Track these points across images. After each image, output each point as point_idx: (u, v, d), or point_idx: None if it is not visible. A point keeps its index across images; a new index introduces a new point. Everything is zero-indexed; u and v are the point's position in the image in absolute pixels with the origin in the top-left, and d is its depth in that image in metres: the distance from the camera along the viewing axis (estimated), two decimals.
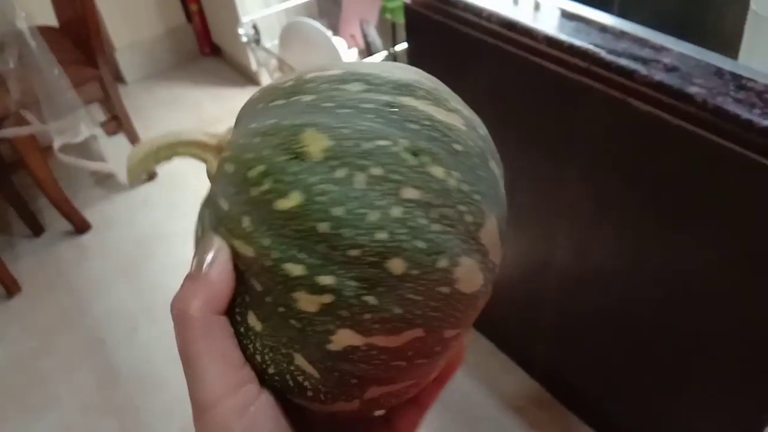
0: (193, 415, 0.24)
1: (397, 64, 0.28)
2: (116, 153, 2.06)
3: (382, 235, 0.23)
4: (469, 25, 0.95)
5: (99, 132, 1.84)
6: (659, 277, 0.90)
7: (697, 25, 1.04)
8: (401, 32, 1.78)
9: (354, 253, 0.23)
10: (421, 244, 0.23)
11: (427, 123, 0.25)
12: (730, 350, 0.86)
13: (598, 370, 1.15)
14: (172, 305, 0.25)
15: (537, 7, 0.89)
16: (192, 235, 0.29)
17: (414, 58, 1.17)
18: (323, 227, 0.23)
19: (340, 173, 0.23)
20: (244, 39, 1.97)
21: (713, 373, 0.90)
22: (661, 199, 0.83)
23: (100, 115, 1.91)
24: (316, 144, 0.24)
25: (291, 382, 0.25)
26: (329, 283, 0.23)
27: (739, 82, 0.71)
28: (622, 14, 0.89)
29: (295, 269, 0.23)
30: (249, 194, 0.24)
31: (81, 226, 1.90)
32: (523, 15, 0.87)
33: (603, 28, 0.83)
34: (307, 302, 0.23)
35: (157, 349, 1.57)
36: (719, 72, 0.73)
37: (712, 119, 0.69)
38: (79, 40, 1.80)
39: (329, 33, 1.82)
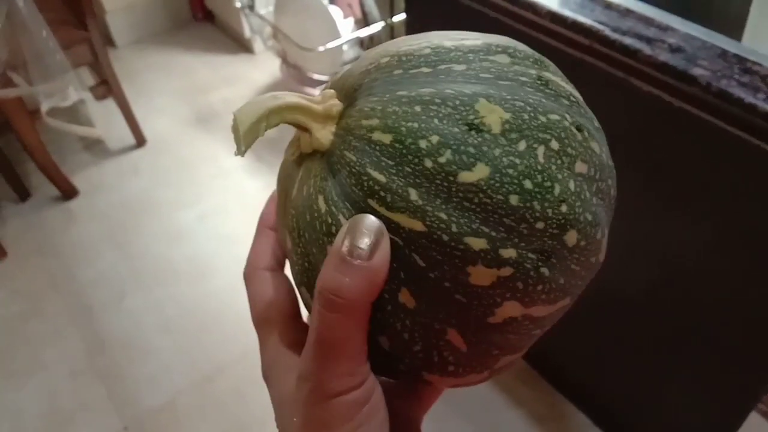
0: (307, 395, 0.24)
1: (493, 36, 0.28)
2: (105, 118, 2.03)
3: (564, 208, 0.23)
4: None
5: (88, 96, 1.80)
6: (653, 260, 0.90)
7: (703, 6, 1.02)
8: (399, 3, 1.75)
9: (540, 225, 0.23)
10: (589, 217, 0.24)
11: (573, 99, 0.26)
12: (720, 333, 0.86)
13: (586, 350, 1.16)
14: (323, 287, 0.23)
15: None
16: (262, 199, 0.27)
17: (413, 29, 1.14)
18: (514, 200, 0.23)
19: (521, 146, 0.23)
20: (239, 4, 1.93)
21: (702, 354, 0.91)
22: (660, 181, 0.82)
23: (89, 79, 1.87)
24: (492, 115, 0.23)
25: (436, 358, 0.25)
26: (511, 255, 0.23)
27: (744, 65, 0.70)
28: None
29: (477, 243, 0.23)
30: (421, 165, 0.23)
31: (68, 192, 1.88)
32: None
33: (608, 5, 0.81)
34: (482, 276, 0.23)
35: (144, 316, 1.56)
36: (724, 54, 0.71)
37: (715, 102, 0.68)
38: (69, 1, 1.76)
39: (325, 1, 1.78)
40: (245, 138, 0.24)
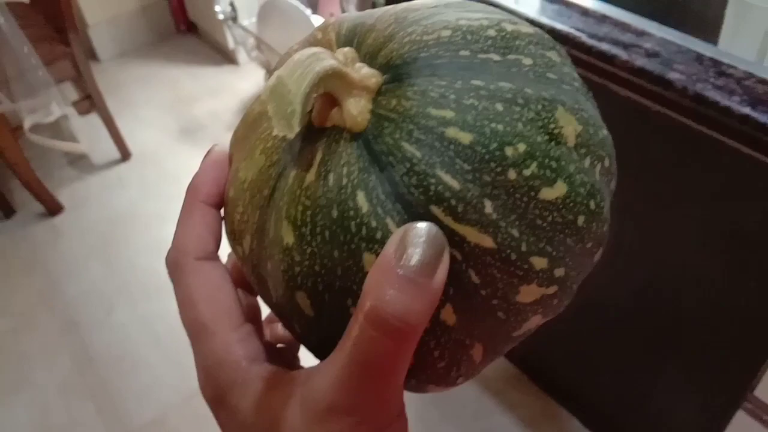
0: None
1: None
2: (89, 132, 2.02)
3: (606, 228, 0.23)
4: None
5: (71, 111, 1.79)
6: (638, 262, 0.91)
7: (680, 10, 1.03)
8: None
9: (589, 245, 0.22)
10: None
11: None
12: (705, 333, 0.87)
13: (576, 354, 1.16)
14: (383, 309, 0.19)
15: None
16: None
17: None
18: (581, 220, 0.22)
19: (587, 162, 0.22)
20: (221, 16, 1.93)
21: (689, 354, 0.92)
22: (641, 185, 0.83)
23: (73, 94, 1.86)
24: (569, 126, 0.22)
25: (453, 373, 0.23)
26: (560, 275, 0.22)
27: (719, 68, 0.71)
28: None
29: (539, 263, 0.21)
30: (503, 176, 0.20)
31: (53, 208, 1.87)
32: None
33: (585, 12, 0.82)
34: (530, 294, 0.22)
35: (133, 330, 1.55)
36: (700, 58, 0.73)
37: (691, 105, 0.69)
38: (50, 16, 1.75)
39: (308, 11, 1.79)
40: (302, 110, 0.20)
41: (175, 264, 0.25)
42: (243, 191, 0.24)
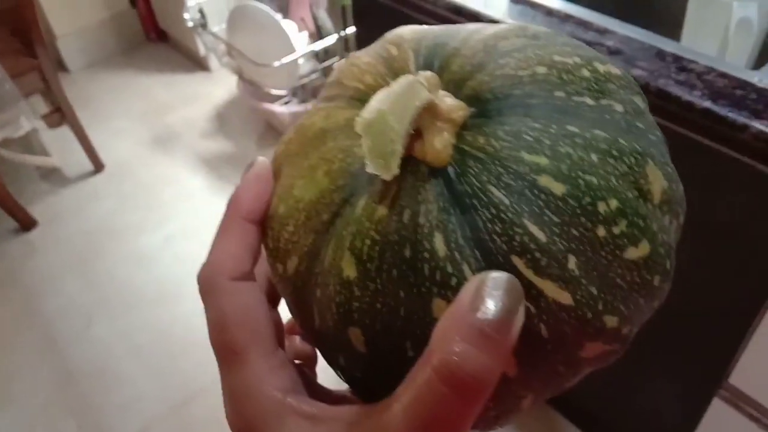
0: None
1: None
2: (61, 145, 2.00)
3: (669, 286, 0.22)
4: (417, 9, 0.94)
5: (41, 125, 1.77)
6: None
7: (645, 6, 1.05)
8: (351, 15, 1.76)
9: (656, 304, 0.22)
10: None
11: None
12: (681, 322, 0.88)
13: None
14: (459, 367, 0.17)
15: None
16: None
17: (364, 43, 1.15)
18: (657, 280, 0.21)
19: (666, 220, 0.21)
20: (190, 24, 1.91)
21: (665, 344, 0.93)
22: None
23: (42, 107, 1.84)
24: (657, 183, 0.21)
25: (501, 420, 0.22)
26: (625, 332, 0.21)
27: (680, 63, 0.72)
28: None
29: (611, 321, 0.20)
30: (592, 232, 0.19)
31: (26, 223, 1.84)
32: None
33: (549, 12, 0.83)
34: (593, 350, 0.21)
35: (113, 344, 1.53)
36: (661, 54, 0.74)
37: (655, 101, 0.70)
38: (17, 29, 1.73)
39: (278, 16, 1.78)
40: (403, 150, 0.19)
41: (208, 282, 0.23)
42: (297, 210, 0.23)
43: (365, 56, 0.25)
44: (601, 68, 0.22)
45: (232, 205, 0.24)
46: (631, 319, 0.21)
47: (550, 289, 0.19)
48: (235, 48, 1.87)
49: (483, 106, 0.21)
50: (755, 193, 0.69)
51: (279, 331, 0.27)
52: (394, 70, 0.23)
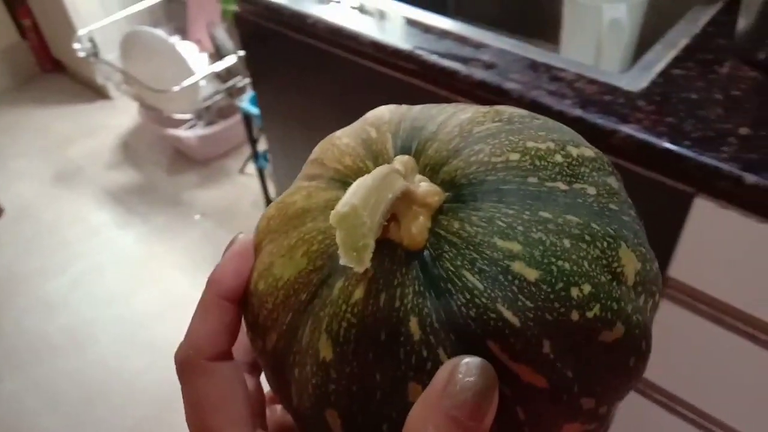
0: None
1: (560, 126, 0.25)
2: None
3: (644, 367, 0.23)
4: (300, 31, 0.93)
5: None
6: None
7: (527, 18, 1.07)
8: None
9: (633, 384, 0.22)
10: None
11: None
12: None
13: None
14: None
15: (362, 10, 0.89)
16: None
17: (254, 67, 1.13)
18: (632, 361, 0.21)
19: (641, 300, 0.21)
20: (82, 54, 1.84)
21: None
22: None
23: None
24: (630, 265, 0.21)
25: None
26: (603, 412, 0.21)
27: (551, 73, 0.74)
28: (457, 13, 0.91)
29: (588, 403, 0.20)
30: (567, 317, 0.19)
31: None
32: (348, 20, 0.86)
33: (427, 29, 0.83)
34: (571, 430, 0.21)
35: (26, 397, 1.45)
36: (534, 65, 0.75)
37: None
38: None
39: (175, 39, 1.74)
40: (374, 243, 0.19)
41: (185, 363, 0.23)
42: (276, 288, 0.23)
43: (345, 137, 0.26)
44: (575, 152, 0.23)
45: (212, 284, 0.24)
46: (607, 399, 0.21)
47: (526, 373, 0.19)
48: (130, 75, 1.81)
49: (458, 191, 0.22)
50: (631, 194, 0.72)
51: (260, 402, 0.27)
52: (372, 152, 0.24)
